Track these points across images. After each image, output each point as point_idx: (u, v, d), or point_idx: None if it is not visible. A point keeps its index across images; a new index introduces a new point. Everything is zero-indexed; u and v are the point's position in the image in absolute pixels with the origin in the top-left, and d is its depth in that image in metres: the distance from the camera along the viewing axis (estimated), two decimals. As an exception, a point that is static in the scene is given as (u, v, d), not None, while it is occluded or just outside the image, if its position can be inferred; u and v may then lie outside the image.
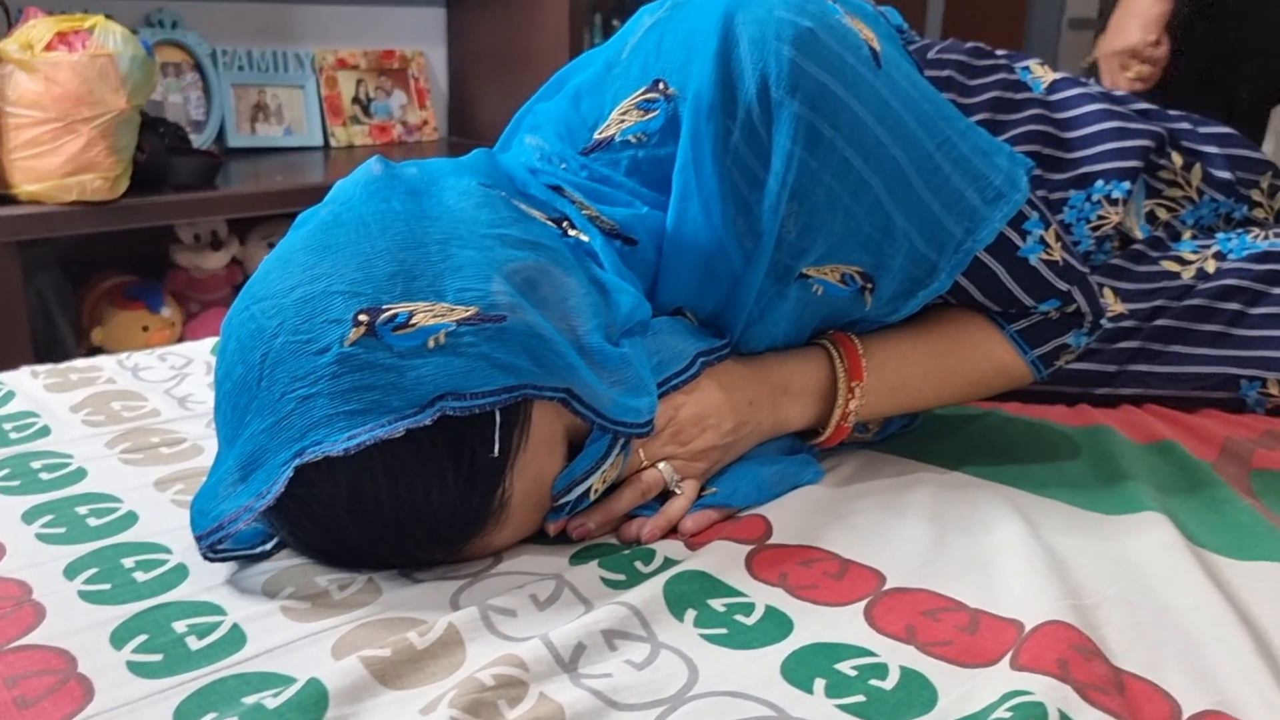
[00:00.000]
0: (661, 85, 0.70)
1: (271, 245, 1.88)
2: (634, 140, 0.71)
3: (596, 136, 0.73)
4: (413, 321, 0.57)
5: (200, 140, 1.94)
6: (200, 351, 1.04)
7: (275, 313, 0.58)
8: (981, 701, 0.51)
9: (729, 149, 0.67)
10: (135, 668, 0.53)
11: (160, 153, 1.61)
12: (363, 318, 0.57)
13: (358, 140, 2.14)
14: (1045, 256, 0.75)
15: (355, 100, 2.15)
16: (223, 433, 0.61)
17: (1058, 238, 0.76)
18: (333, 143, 2.11)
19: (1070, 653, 0.53)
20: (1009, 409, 0.95)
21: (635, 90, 0.72)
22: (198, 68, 1.96)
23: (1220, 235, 1.05)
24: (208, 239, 1.83)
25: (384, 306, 0.57)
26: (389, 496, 0.58)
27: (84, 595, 0.60)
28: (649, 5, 0.78)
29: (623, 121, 0.72)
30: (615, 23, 2.25)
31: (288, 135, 2.07)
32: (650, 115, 0.71)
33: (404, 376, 0.56)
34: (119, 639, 0.55)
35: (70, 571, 0.62)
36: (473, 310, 0.58)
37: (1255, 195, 1.09)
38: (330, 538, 0.61)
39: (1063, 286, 0.76)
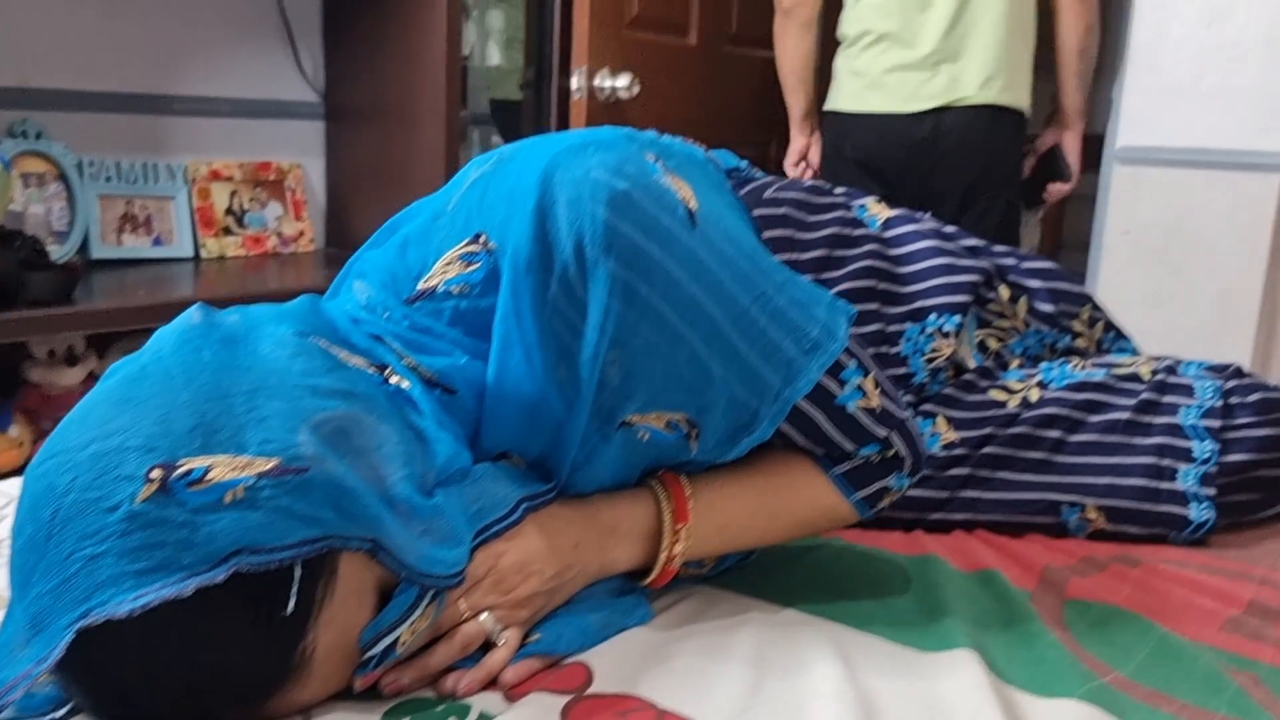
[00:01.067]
0: (483, 239, 0.72)
1: (134, 358, 1.83)
2: (456, 291, 0.73)
3: (420, 286, 0.74)
4: (209, 477, 0.56)
5: (63, 251, 1.89)
6: (27, 487, 0.99)
7: (68, 469, 0.57)
8: None
9: (548, 302, 0.69)
10: None
11: (13, 267, 1.57)
12: (156, 474, 0.56)
13: (230, 251, 2.12)
14: (863, 404, 0.78)
15: (229, 211, 2.14)
16: (14, 592, 0.59)
17: (876, 385, 0.80)
18: (204, 254, 2.09)
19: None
20: (847, 537, 0.97)
21: (459, 242, 0.73)
22: (62, 178, 1.92)
23: (1044, 365, 1.11)
24: (63, 354, 1.78)
25: (180, 462, 0.56)
26: (182, 658, 0.56)
27: None
28: (478, 158, 0.80)
29: (446, 272, 0.73)
30: (495, 139, 2.29)
31: (157, 246, 2.04)
32: (472, 267, 0.72)
33: (197, 533, 0.55)
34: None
35: None
36: (274, 462, 0.58)
37: (1076, 326, 1.16)
38: (124, 705, 0.59)
39: (881, 433, 0.80)
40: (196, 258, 2.08)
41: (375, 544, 0.61)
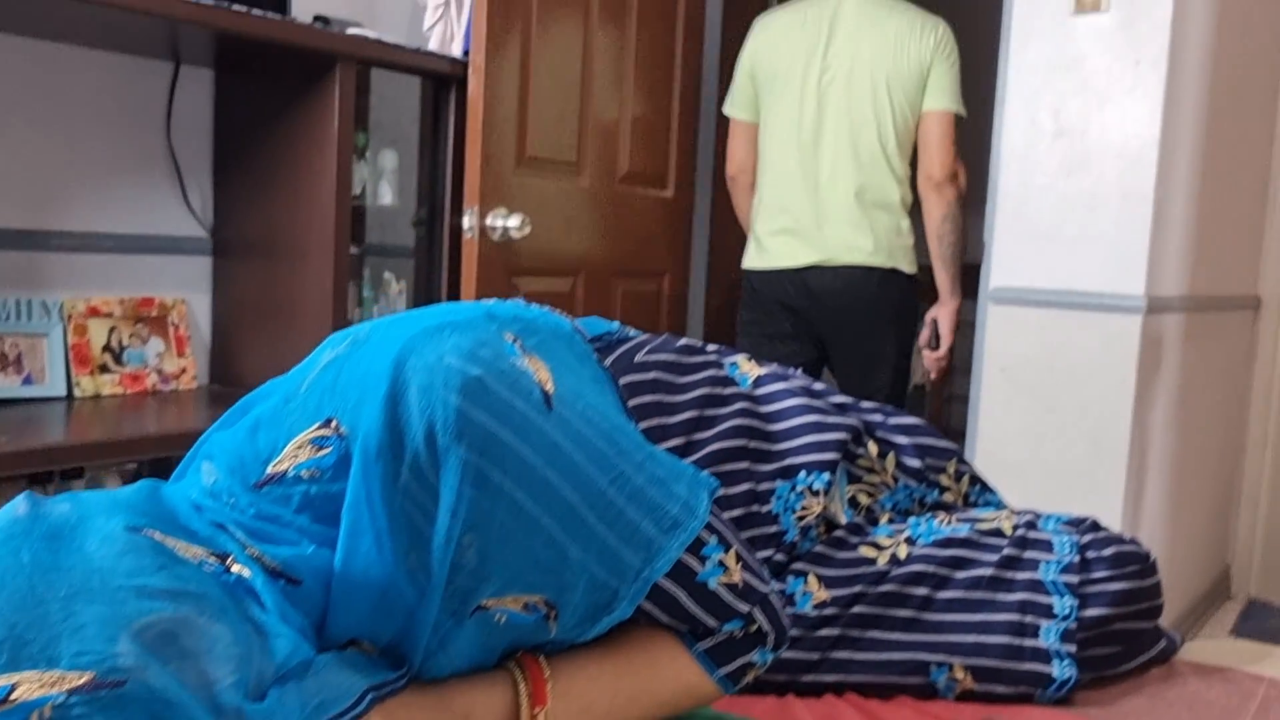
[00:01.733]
0: (334, 424, 0.71)
1: (-7, 505, 1.75)
2: (306, 475, 0.72)
3: (269, 470, 0.73)
4: (14, 696, 0.53)
5: (-78, 391, 1.81)
6: None
7: None
8: None
9: (399, 488, 0.68)
10: None
11: None
12: None
13: (106, 390, 2.06)
14: (725, 580, 0.79)
15: (106, 348, 2.08)
16: None
17: (738, 559, 0.80)
18: (78, 393, 2.02)
19: None
20: (718, 705, 0.96)
21: (310, 426, 0.72)
22: (-73, 315, 1.85)
23: (913, 520, 1.13)
24: (-84, 501, 1.68)
25: None
26: None
27: None
28: (332, 338, 0.80)
29: (296, 456, 0.72)
30: (387, 274, 2.29)
31: (27, 385, 1.97)
32: (323, 452, 0.71)
33: None
34: None
35: None
36: (88, 676, 0.55)
37: (944, 480, 1.19)
38: None
39: (743, 608, 0.79)
40: (69, 397, 2.01)
41: None
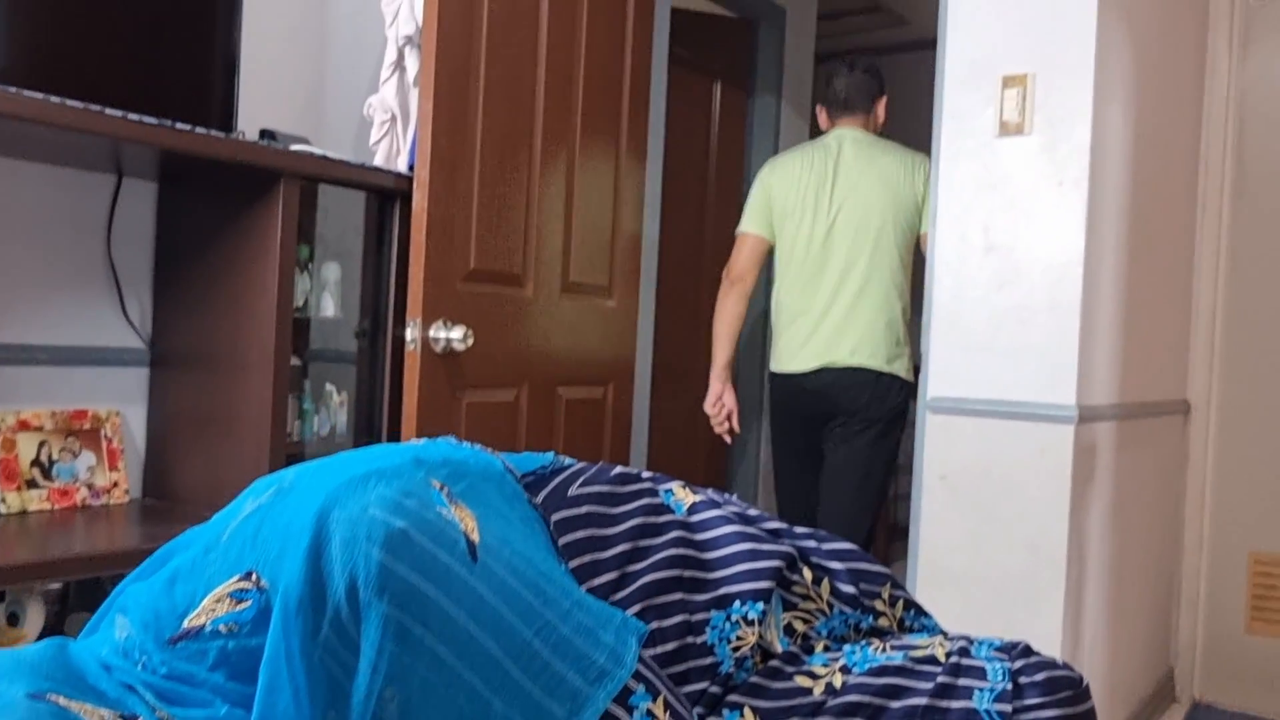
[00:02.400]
0: (254, 576, 0.71)
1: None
2: (224, 630, 0.70)
3: (186, 625, 0.72)
4: None
5: None
6: None
7: None
8: None
9: (319, 643, 0.67)
10: None
11: None
12: None
13: (33, 505, 2.00)
14: None
15: (35, 463, 2.03)
16: None
17: (666, 707, 0.79)
18: (2, 509, 1.96)
19: None
20: None
21: (229, 578, 0.71)
22: None
23: (848, 648, 1.13)
24: None
25: None
26: None
27: None
28: (255, 486, 0.79)
29: (214, 610, 0.71)
30: (328, 387, 2.28)
31: (-50, 502, 1.91)
32: (242, 605, 0.70)
33: None
34: None
35: None
36: None
37: (879, 605, 1.19)
38: None
39: None
40: (-6, 514, 1.96)
41: None
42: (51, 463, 2.05)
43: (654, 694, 0.78)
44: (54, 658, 0.69)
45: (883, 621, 1.19)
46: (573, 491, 1.07)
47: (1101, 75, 2.18)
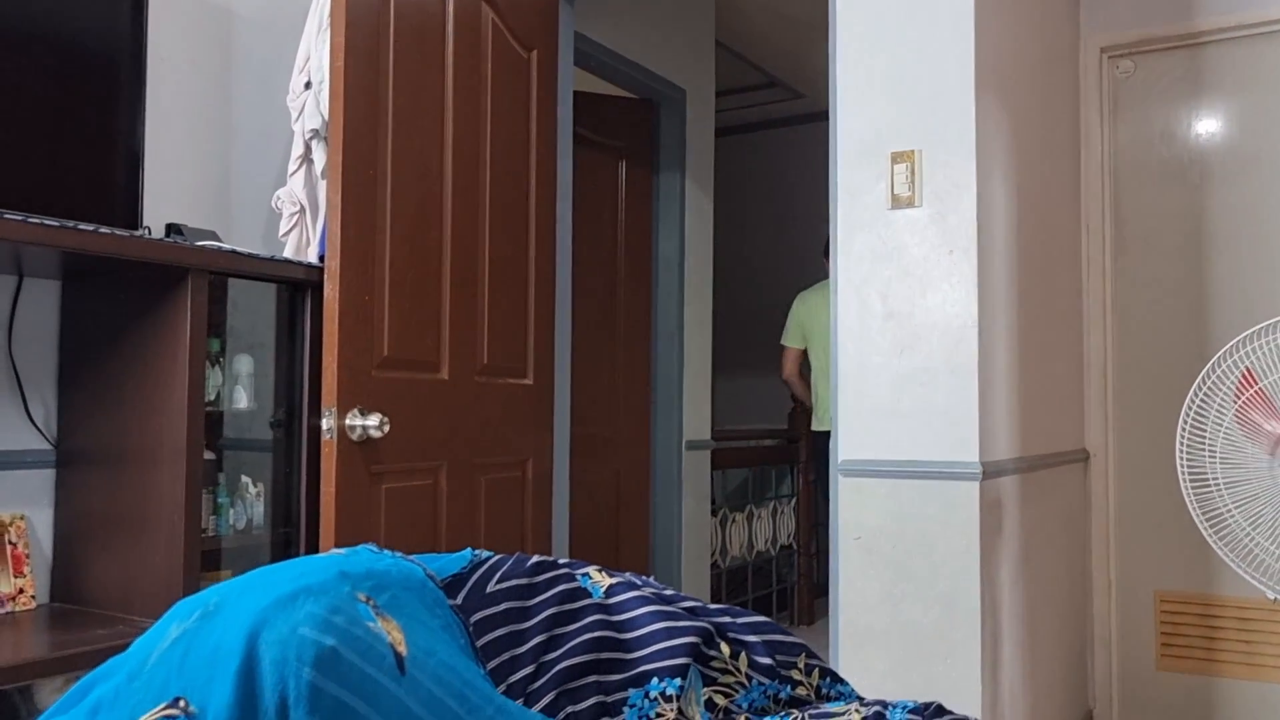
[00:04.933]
0: (182, 703, 0.71)
1: None
2: None
3: None
4: None
5: None
6: None
7: None
8: None
9: None
10: None
11: None
12: None
13: (-66, 620, 1.93)
14: None
15: (-64, 575, 1.97)
16: None
17: None
18: (-99, 626, 1.89)
19: None
20: None
21: (154, 706, 0.72)
22: None
23: (769, 719, 1.16)
24: None
25: None
26: None
27: None
28: (178, 608, 0.80)
29: None
30: (244, 479, 2.25)
31: None
32: None
33: None
34: None
35: None
36: None
37: (795, 675, 1.23)
38: None
39: None
40: (-109, 632, 1.88)
41: None
42: (-47, 574, 1.99)
43: None
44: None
45: (800, 690, 1.23)
46: (490, 588, 1.09)
47: (983, 149, 2.31)
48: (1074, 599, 3.04)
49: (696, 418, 3.82)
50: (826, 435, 3.70)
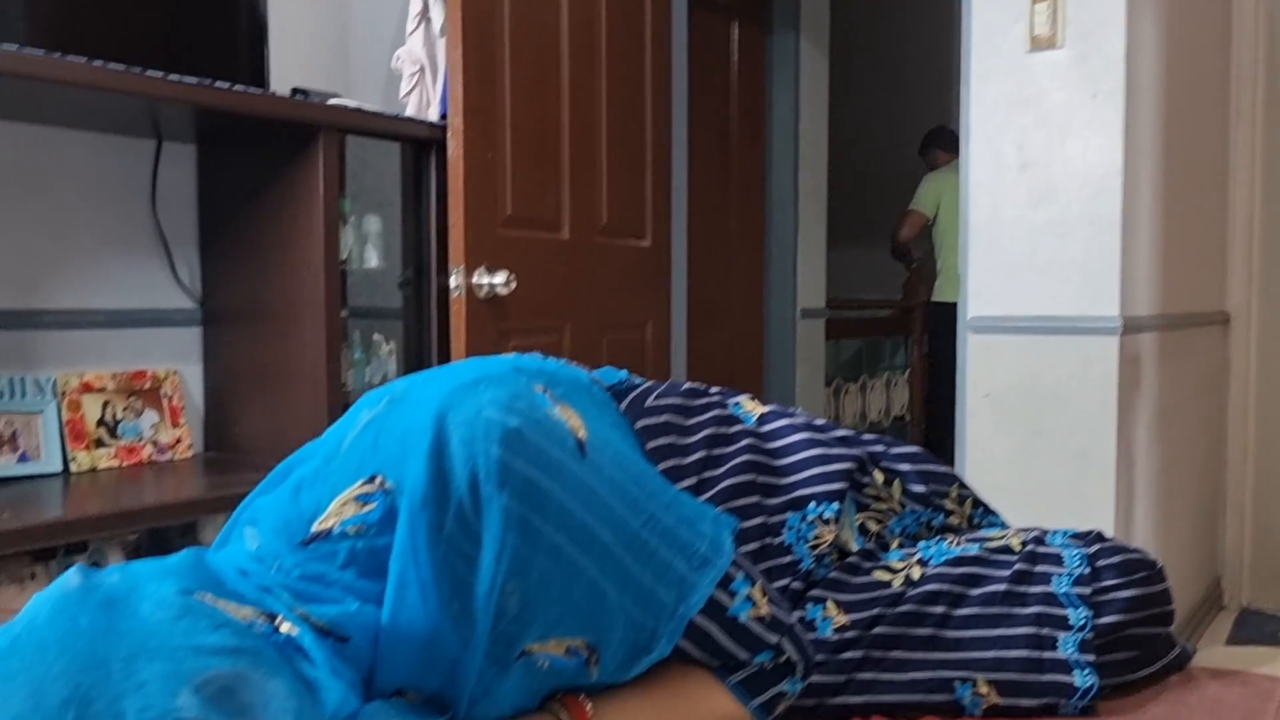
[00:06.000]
0: (379, 479, 0.74)
1: (-5, 587, 1.74)
2: (352, 531, 0.74)
3: (315, 528, 0.75)
4: None
5: (-81, 477, 1.81)
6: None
7: None
8: None
9: (443, 538, 0.70)
10: None
11: None
12: None
13: (102, 463, 2.06)
14: (754, 613, 0.81)
15: (101, 422, 2.08)
16: None
17: (764, 593, 0.83)
18: (73, 468, 2.02)
19: None
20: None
21: (353, 483, 0.74)
22: (-79, 401, 1.85)
23: (922, 543, 1.16)
24: (-82, 588, 1.67)
25: None
26: None
27: None
28: (367, 398, 0.82)
29: (341, 513, 0.74)
30: (376, 336, 2.31)
31: (23, 463, 1.96)
32: (368, 508, 0.73)
33: None
34: None
35: None
36: None
37: (948, 504, 1.22)
38: None
39: (772, 639, 0.82)
40: (66, 472, 2.01)
41: None
42: (116, 422, 2.10)
43: (751, 581, 0.82)
44: (194, 565, 0.73)
45: (953, 520, 1.22)
46: (649, 403, 1.10)
47: (1133, -18, 2.16)
48: (1209, 464, 2.95)
49: (811, 286, 3.77)
50: (944, 306, 4.02)
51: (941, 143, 4.55)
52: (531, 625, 0.73)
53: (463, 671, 0.72)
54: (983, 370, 2.34)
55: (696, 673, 0.82)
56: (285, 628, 0.70)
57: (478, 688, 0.73)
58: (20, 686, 0.57)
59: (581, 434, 0.76)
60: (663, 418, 1.08)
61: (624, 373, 1.12)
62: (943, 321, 4.08)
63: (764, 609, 0.81)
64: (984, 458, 2.34)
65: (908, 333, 4.46)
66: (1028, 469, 2.28)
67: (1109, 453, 2.19)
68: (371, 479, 0.74)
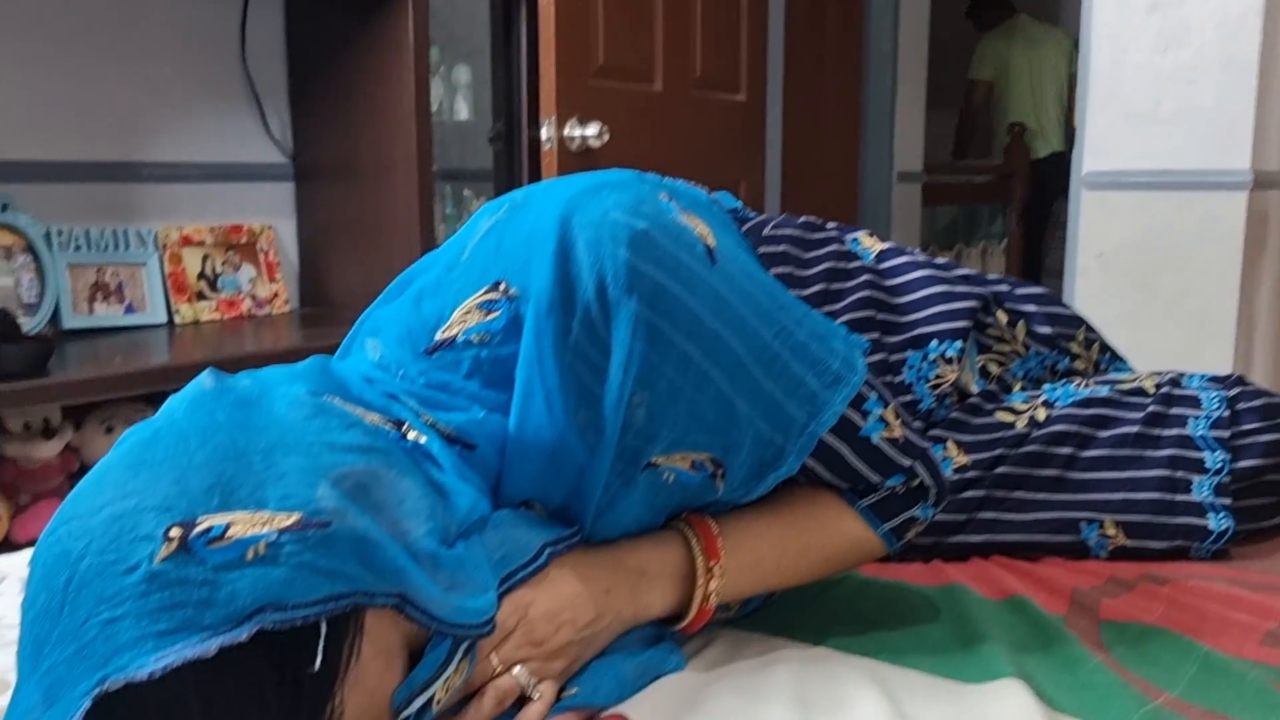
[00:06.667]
0: (502, 286, 0.71)
1: (111, 430, 1.79)
2: (476, 340, 0.71)
3: (438, 337, 0.73)
4: (229, 534, 0.54)
5: (34, 323, 1.85)
6: (16, 565, 0.96)
7: (82, 534, 0.55)
8: None
9: (570, 345, 0.67)
10: None
11: (-15, 341, 1.52)
12: (175, 533, 0.54)
13: (204, 316, 2.09)
14: (886, 435, 0.77)
15: (201, 275, 2.11)
16: (22, 668, 0.56)
17: (897, 415, 0.79)
18: (177, 320, 2.05)
19: None
20: (867, 571, 0.95)
21: (476, 290, 0.72)
22: (30, 249, 1.88)
23: (1047, 386, 1.11)
24: (39, 427, 1.73)
25: (198, 520, 0.54)
26: None
27: None
28: (488, 206, 0.79)
29: (465, 321, 0.72)
30: (466, 192, 2.28)
31: (129, 314, 2.00)
32: (492, 315, 0.71)
33: (218, 591, 0.53)
34: None
35: None
36: (296, 517, 0.56)
37: (1074, 348, 1.16)
38: (146, 780, 0.56)
39: (905, 462, 0.78)
40: (170, 324, 2.05)
41: (402, 598, 0.59)
42: (215, 276, 2.13)
43: (885, 402, 0.78)
44: (320, 370, 0.72)
45: (1079, 364, 1.16)
46: (767, 232, 1.05)
47: None
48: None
49: (908, 149, 3.61)
50: (1046, 161, 4.22)
51: (987, 2, 4.54)
52: (658, 437, 0.70)
53: (589, 483, 0.70)
54: (1096, 228, 2.22)
55: (825, 495, 0.80)
56: (413, 435, 0.69)
57: (602, 500, 0.72)
58: (166, 472, 0.57)
59: (710, 241, 0.72)
60: (781, 247, 1.03)
61: (740, 203, 1.08)
62: (1044, 177, 4.23)
63: (897, 431, 0.78)
64: (1093, 320, 2.24)
65: (1007, 200, 4.29)
66: (1140, 332, 2.18)
67: (1229, 316, 2.08)
68: (495, 285, 0.71)
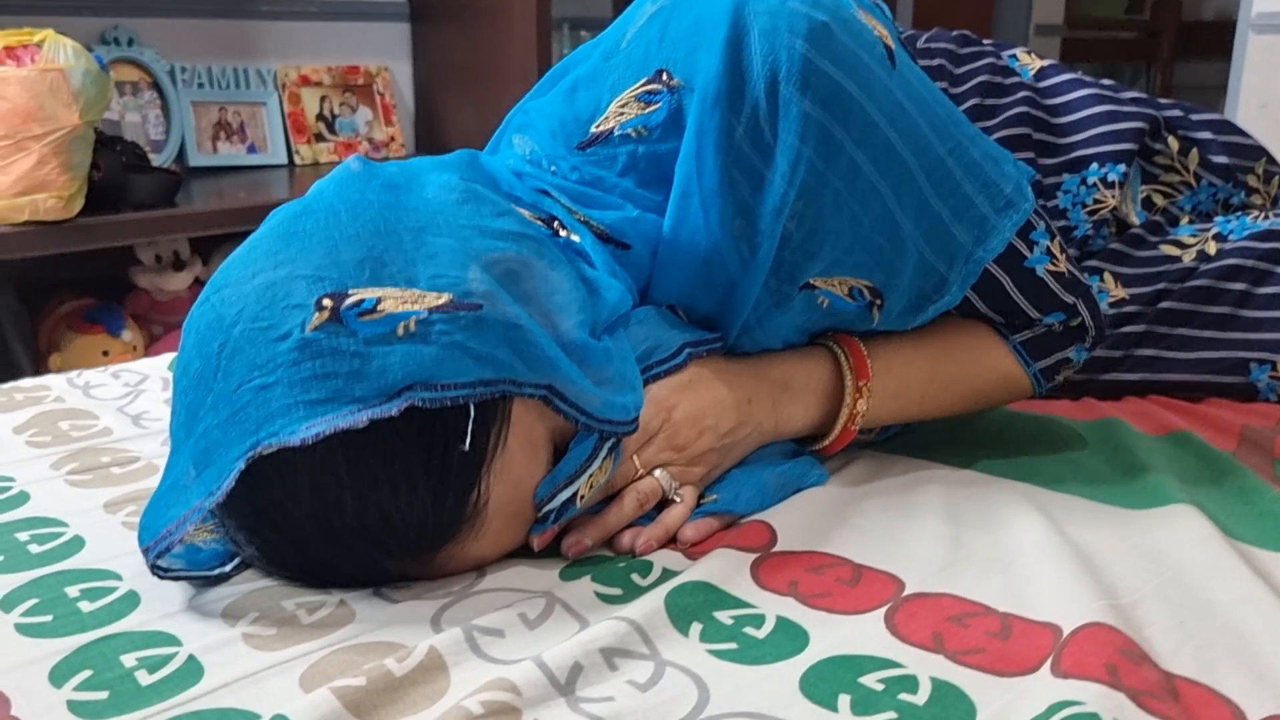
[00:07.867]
0: (665, 76, 0.66)
1: (236, 266, 1.82)
2: (634, 135, 0.67)
3: (593, 130, 0.68)
4: (381, 307, 0.52)
5: (160, 160, 1.88)
6: (157, 367, 0.98)
7: (235, 300, 0.54)
8: (1025, 713, 0.46)
9: (732, 145, 0.63)
10: (76, 708, 0.47)
11: (117, 170, 1.55)
12: (327, 302, 0.52)
13: (323, 158, 2.09)
14: (1051, 268, 0.72)
15: (320, 117, 2.10)
16: (176, 435, 0.56)
17: (1062, 249, 0.73)
18: (297, 160, 2.06)
19: (1117, 656, 0.48)
20: (1012, 405, 0.90)
21: (636, 81, 0.67)
22: (155, 86, 1.90)
23: (1219, 219, 1.02)
24: (169, 259, 1.77)
25: (350, 291, 0.53)
26: (353, 497, 0.53)
27: (21, 629, 0.54)
28: None
29: (621, 114, 0.67)
30: (584, 33, 2.21)
31: (251, 153, 2.02)
32: (652, 108, 0.66)
33: (369, 364, 0.51)
34: (59, 676, 0.50)
35: (7, 603, 0.56)
36: (446, 297, 0.54)
37: (1251, 181, 1.06)
38: (292, 548, 0.56)
39: (1069, 299, 0.73)
40: (290, 164, 2.06)
41: (551, 390, 0.56)
42: (334, 117, 2.12)
43: (1051, 235, 0.72)
44: (469, 163, 0.69)
45: (1255, 199, 1.07)
46: (921, 44, 0.98)
47: None
48: None
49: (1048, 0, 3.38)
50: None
51: None
52: (817, 255, 0.66)
53: (739, 296, 0.66)
54: (1263, 77, 2.04)
55: (978, 326, 0.75)
56: (564, 233, 0.66)
57: (751, 317, 0.68)
58: (318, 244, 0.55)
59: (889, 43, 0.66)
60: (935, 61, 0.96)
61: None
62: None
63: (1062, 265, 0.72)
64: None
65: (1151, 59, 4.00)
66: (1303, 189, 2.02)
67: None
68: (657, 75, 0.66)
